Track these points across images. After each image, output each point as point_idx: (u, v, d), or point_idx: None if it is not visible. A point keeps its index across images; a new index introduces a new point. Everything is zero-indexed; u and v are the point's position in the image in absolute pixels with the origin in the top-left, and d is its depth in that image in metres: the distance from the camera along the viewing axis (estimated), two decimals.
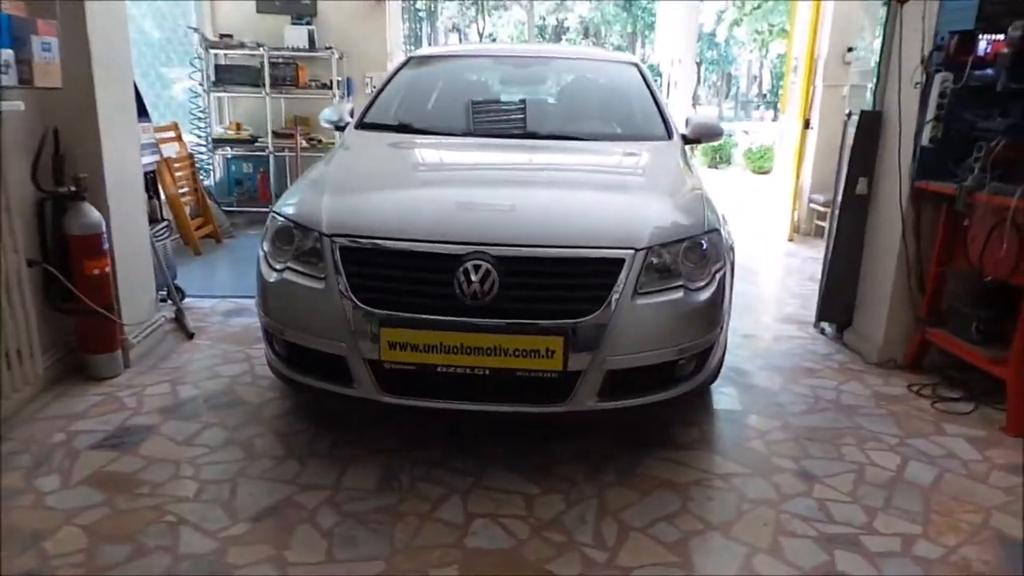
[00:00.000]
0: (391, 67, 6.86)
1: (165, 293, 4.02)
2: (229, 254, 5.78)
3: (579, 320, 2.31)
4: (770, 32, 14.88)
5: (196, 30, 6.36)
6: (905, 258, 3.50)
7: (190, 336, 3.79)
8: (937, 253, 3.39)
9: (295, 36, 6.43)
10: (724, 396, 3.22)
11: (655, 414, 2.88)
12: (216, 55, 6.49)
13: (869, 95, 5.20)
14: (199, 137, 6.42)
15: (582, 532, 2.22)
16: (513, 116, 3.61)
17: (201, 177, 6.16)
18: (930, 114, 3.26)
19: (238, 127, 6.59)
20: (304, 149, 6.49)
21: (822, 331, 4.15)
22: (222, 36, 6.45)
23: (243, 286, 4.77)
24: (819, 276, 4.30)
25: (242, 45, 6.36)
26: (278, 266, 2.58)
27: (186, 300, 4.26)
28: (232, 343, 3.72)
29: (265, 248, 2.68)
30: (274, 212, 2.73)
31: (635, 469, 2.60)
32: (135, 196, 3.50)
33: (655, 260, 2.44)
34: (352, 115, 3.77)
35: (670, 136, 3.51)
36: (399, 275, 2.38)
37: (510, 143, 3.34)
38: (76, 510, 2.25)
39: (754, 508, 2.38)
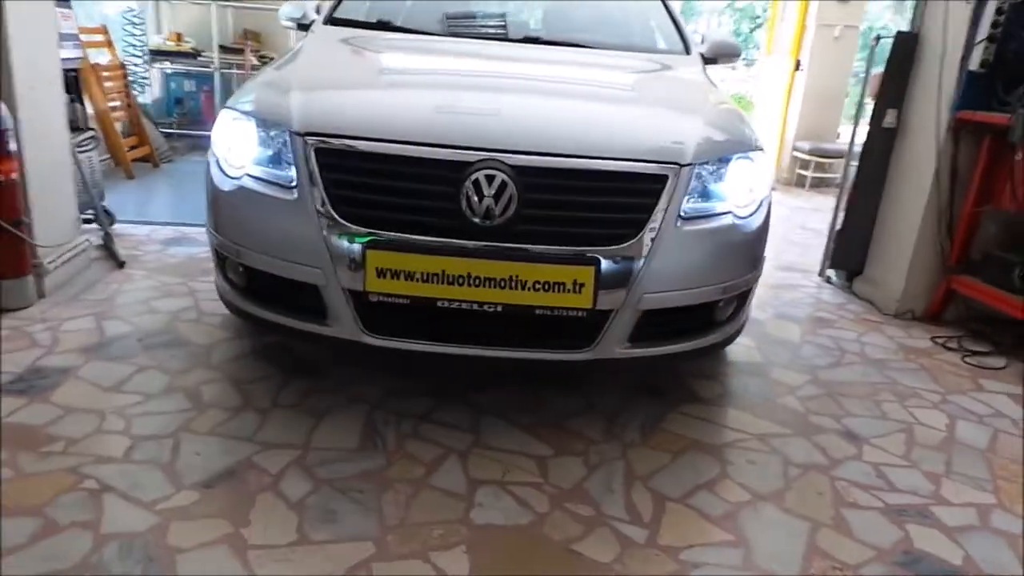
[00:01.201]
0: None
1: (92, 216, 3.43)
2: (167, 179, 5.13)
3: (613, 248, 1.89)
4: None
5: None
6: (936, 198, 3.17)
7: (120, 264, 3.23)
8: (976, 193, 3.07)
9: None
10: (741, 347, 2.86)
11: (678, 364, 2.51)
12: None
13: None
14: (134, 47, 5.66)
15: (611, 503, 1.84)
16: (510, 17, 3.10)
17: (136, 93, 5.44)
18: (982, 34, 2.90)
19: (179, 38, 5.85)
20: (254, 67, 5.81)
21: (828, 280, 3.84)
22: None
23: (185, 213, 4.20)
24: (813, 224, 3.95)
25: None
26: (234, 172, 2.06)
27: (116, 226, 3.67)
28: (172, 275, 3.18)
29: (217, 151, 2.15)
30: (228, 107, 2.20)
31: (658, 426, 2.22)
32: (51, 92, 2.88)
33: (698, 180, 2.02)
34: (318, 12, 3.21)
35: (688, 51, 3.08)
36: (390, 186, 1.90)
37: (511, 47, 2.83)
38: None
39: (803, 474, 2.03)
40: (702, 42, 3.21)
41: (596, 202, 1.93)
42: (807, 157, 6.56)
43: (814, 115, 6.56)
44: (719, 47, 3.18)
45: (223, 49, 5.81)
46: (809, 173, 6.59)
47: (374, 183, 1.90)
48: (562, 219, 1.90)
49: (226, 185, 2.07)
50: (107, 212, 3.58)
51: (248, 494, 1.76)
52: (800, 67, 6.36)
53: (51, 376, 2.23)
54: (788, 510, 1.86)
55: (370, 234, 1.86)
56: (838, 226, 3.74)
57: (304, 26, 3.15)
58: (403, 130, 1.94)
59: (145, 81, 5.84)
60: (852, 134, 3.70)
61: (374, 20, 3.03)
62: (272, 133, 2.03)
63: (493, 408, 2.24)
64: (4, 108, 2.49)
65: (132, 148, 5.14)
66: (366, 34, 2.91)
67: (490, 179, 1.84)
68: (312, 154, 1.92)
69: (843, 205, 3.79)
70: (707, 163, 2.04)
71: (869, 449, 2.19)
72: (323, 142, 1.92)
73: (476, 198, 1.84)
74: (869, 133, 3.47)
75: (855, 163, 3.62)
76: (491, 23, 3.06)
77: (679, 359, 2.19)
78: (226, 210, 2.09)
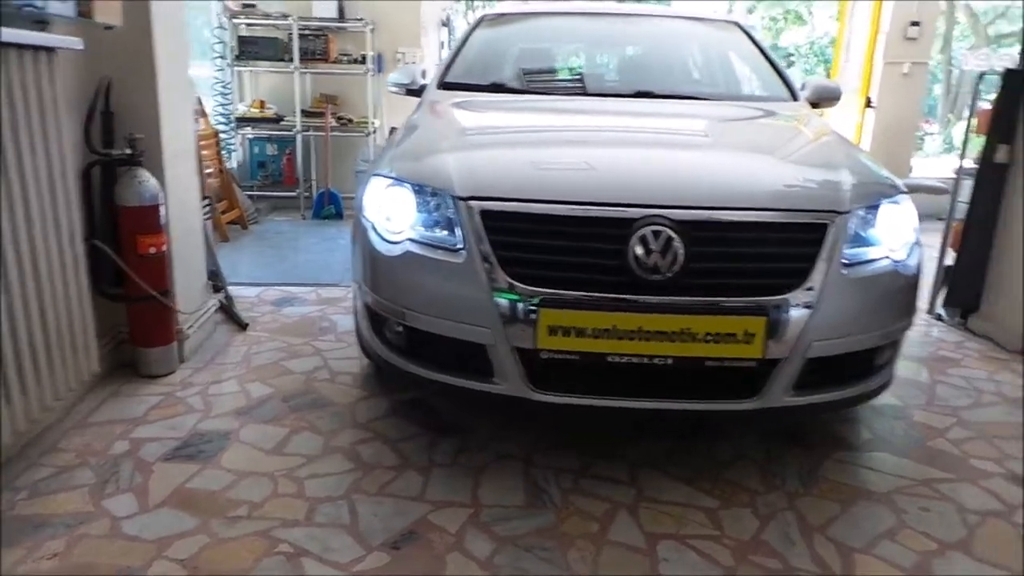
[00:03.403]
0: (425, 42, 6.44)
1: (211, 280, 3.55)
2: (258, 240, 5.30)
3: (782, 297, 1.90)
4: (784, 19, 14.53)
5: None
6: None
7: (244, 327, 3.33)
8: None
9: (324, 6, 5.94)
10: None
11: (836, 412, 2.47)
12: (238, 26, 5.99)
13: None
14: (223, 116, 5.92)
15: (796, 555, 1.81)
16: (621, 74, 3.19)
17: (223, 158, 5.67)
18: None
19: (262, 105, 6.10)
20: (333, 129, 6.02)
21: (939, 317, 3.76)
22: (245, 5, 5.95)
23: (281, 273, 4.35)
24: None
25: (267, 15, 5.87)
26: (394, 237, 2.14)
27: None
28: (293, 335, 3.26)
29: (370, 217, 2.23)
30: (380, 175, 2.28)
31: (817, 474, 2.19)
32: (189, 164, 3.03)
33: (855, 226, 2.04)
34: (424, 77, 3.34)
35: (795, 98, 3.11)
36: (556, 246, 1.95)
37: (630, 103, 2.90)
38: (166, 539, 1.80)
39: (984, 521, 1.98)
40: (802, 87, 3.25)
41: (759, 252, 1.96)
42: None
43: (886, 151, 6.51)
44: (821, 91, 3.22)
45: (303, 113, 6.04)
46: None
47: (540, 243, 1.95)
48: (728, 271, 1.93)
49: (387, 249, 2.14)
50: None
51: (437, 554, 1.78)
52: (871, 104, 6.35)
53: (214, 440, 2.30)
54: (981, 559, 1.81)
55: (541, 293, 1.90)
56: (947, 262, 3.69)
57: (412, 91, 3.27)
58: (566, 190, 2.00)
59: (232, 147, 6.08)
60: (958, 170, 3.67)
61: (487, 83, 3.14)
62: (430, 198, 2.10)
63: (645, 460, 2.24)
64: (156, 183, 2.62)
65: (224, 212, 5.34)
66: (483, 97, 3.01)
67: (656, 234, 1.88)
68: (477, 217, 1.98)
69: (949, 241, 3.75)
70: (860, 209, 2.06)
71: None
72: (488, 206, 1.98)
73: (643, 253, 1.87)
74: (980, 169, 3.44)
75: (963, 200, 3.59)
76: (603, 80, 3.14)
77: (840, 406, 2.17)
78: (388, 274, 2.15)
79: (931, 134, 14.11)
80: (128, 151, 2.52)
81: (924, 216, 6.11)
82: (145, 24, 2.53)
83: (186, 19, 2.97)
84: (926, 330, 3.63)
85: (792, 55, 15.63)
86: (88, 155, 2.48)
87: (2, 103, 1.83)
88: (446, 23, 7.67)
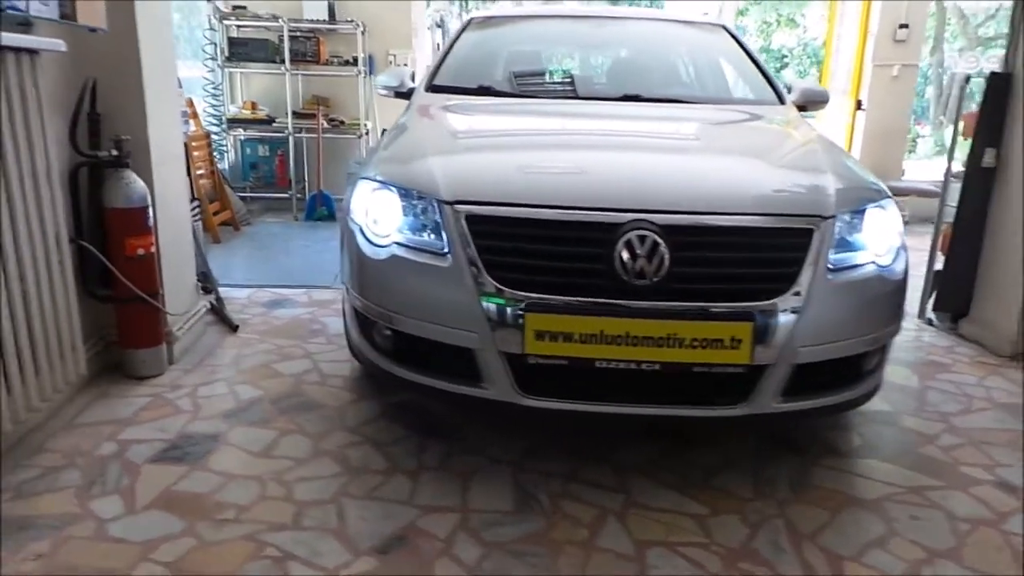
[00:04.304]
0: (416, 43, 6.43)
1: (201, 282, 3.53)
2: (249, 242, 5.28)
3: (768, 303, 1.90)
4: (777, 22, 14.57)
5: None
6: None
7: (234, 329, 3.32)
8: None
9: (314, 8, 5.93)
10: None
11: (825, 418, 2.47)
12: (229, 27, 5.97)
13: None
14: (214, 117, 5.90)
15: (785, 563, 1.81)
16: (608, 78, 3.18)
17: (215, 159, 5.65)
18: None
19: (253, 106, 6.08)
20: (325, 130, 6.00)
21: (929, 322, 3.77)
22: (235, 7, 5.93)
23: (272, 274, 4.33)
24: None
25: (257, 16, 5.85)
26: (381, 241, 2.13)
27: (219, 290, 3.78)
28: (284, 337, 3.25)
29: (358, 220, 2.23)
30: (367, 178, 2.28)
31: (807, 481, 2.19)
32: (178, 166, 3.01)
33: (841, 231, 2.04)
34: (413, 80, 3.33)
35: (782, 101, 3.12)
36: (542, 250, 1.94)
37: (619, 106, 2.90)
38: (152, 542, 1.79)
39: (974, 529, 1.98)
40: (789, 91, 3.25)
41: (746, 258, 1.96)
42: None
43: (877, 154, 6.54)
44: (808, 94, 3.22)
45: (295, 115, 6.02)
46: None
47: (526, 247, 1.95)
48: (714, 276, 1.93)
49: (374, 253, 2.13)
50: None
51: (425, 560, 1.77)
52: (862, 107, 6.37)
53: (202, 443, 2.28)
54: (971, 567, 1.81)
55: (527, 297, 1.89)
56: (937, 267, 3.70)
57: (401, 94, 3.26)
58: (552, 195, 1.99)
59: (223, 148, 6.06)
60: (946, 173, 3.68)
61: (475, 87, 3.13)
62: (417, 202, 2.10)
63: (635, 466, 2.23)
64: (143, 185, 2.60)
65: (216, 213, 5.32)
66: (471, 100, 3.00)
67: (641, 239, 1.88)
68: (463, 222, 1.97)
69: (939, 245, 3.76)
70: (846, 214, 2.06)
71: None
72: (474, 210, 1.98)
73: (629, 258, 1.87)
74: (967, 173, 3.45)
75: (951, 204, 3.60)
76: (591, 84, 3.14)
77: (829, 412, 2.17)
78: (375, 277, 2.14)
79: (923, 136, 14.18)
80: (115, 152, 2.50)
81: (917, 219, 6.13)
82: (130, 26, 2.52)
83: (172, 20, 2.95)
84: (917, 335, 3.63)
85: (785, 56, 15.70)
86: (75, 156, 2.47)
87: None
88: (440, 24, 7.67)
